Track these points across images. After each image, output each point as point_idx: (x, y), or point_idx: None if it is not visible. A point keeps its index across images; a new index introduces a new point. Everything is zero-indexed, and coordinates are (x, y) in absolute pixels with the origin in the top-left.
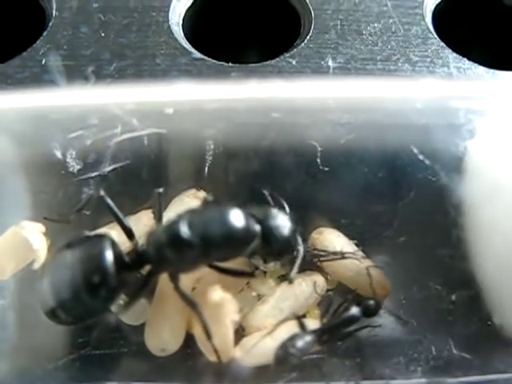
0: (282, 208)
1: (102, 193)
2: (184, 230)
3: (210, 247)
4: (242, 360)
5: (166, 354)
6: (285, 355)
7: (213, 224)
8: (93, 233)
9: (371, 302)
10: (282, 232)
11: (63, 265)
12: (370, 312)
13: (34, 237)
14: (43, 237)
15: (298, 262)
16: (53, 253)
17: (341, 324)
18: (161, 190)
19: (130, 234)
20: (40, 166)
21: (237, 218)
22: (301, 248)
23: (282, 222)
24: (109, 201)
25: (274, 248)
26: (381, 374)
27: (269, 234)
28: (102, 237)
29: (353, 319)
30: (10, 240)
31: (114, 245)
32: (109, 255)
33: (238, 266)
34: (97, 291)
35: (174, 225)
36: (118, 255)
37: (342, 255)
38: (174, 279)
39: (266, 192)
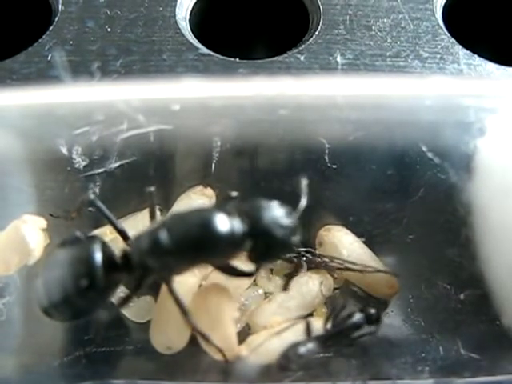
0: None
1: (92, 196)
2: (162, 236)
3: (191, 253)
4: (248, 358)
5: (172, 352)
6: (286, 364)
7: (192, 230)
8: (83, 234)
9: (372, 311)
10: (274, 232)
11: (54, 265)
12: (371, 320)
13: (31, 233)
14: (41, 232)
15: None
16: (48, 251)
17: (344, 331)
18: (152, 188)
19: (123, 235)
20: (45, 163)
21: (218, 222)
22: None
23: (275, 220)
24: (99, 204)
25: (267, 248)
26: (388, 373)
27: (259, 234)
28: (92, 238)
29: (356, 326)
30: (12, 234)
31: (104, 246)
32: (97, 258)
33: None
34: (85, 293)
35: (153, 231)
36: (108, 257)
37: (350, 267)
38: (166, 282)
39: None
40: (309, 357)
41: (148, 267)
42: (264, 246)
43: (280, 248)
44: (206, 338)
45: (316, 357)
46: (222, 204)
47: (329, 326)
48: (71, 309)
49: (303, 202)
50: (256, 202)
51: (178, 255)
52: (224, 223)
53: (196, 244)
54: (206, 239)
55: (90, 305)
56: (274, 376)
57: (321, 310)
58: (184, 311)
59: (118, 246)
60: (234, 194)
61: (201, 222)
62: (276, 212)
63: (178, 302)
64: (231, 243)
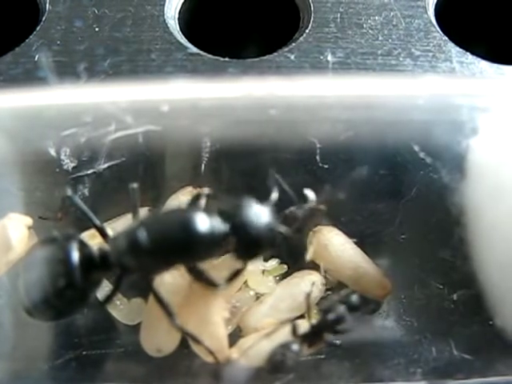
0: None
1: (69, 193)
2: (140, 236)
3: (171, 253)
4: (239, 361)
5: (162, 355)
6: (275, 366)
7: (170, 229)
8: (61, 233)
9: (354, 297)
10: (255, 228)
11: (33, 265)
12: (354, 307)
13: (14, 228)
14: (26, 229)
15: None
16: (27, 251)
17: (329, 326)
18: (135, 185)
19: (102, 232)
20: (34, 164)
21: (198, 222)
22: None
23: (255, 217)
24: (77, 200)
25: (249, 245)
26: (380, 375)
27: (241, 231)
28: (69, 237)
29: (340, 319)
30: None
31: (82, 245)
32: (74, 257)
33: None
34: (63, 293)
35: (131, 231)
36: (86, 256)
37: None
38: (147, 282)
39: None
40: (297, 357)
41: (126, 267)
42: (246, 243)
43: (263, 244)
44: (196, 340)
45: (307, 358)
46: (195, 202)
47: (314, 322)
48: (51, 309)
49: (275, 194)
50: (235, 200)
51: (155, 255)
52: (203, 223)
53: (174, 244)
54: (184, 239)
55: (70, 305)
56: (265, 379)
57: (312, 312)
58: (168, 312)
59: (96, 245)
60: (206, 191)
61: (179, 221)
62: (255, 209)
63: (161, 302)
64: (210, 243)
